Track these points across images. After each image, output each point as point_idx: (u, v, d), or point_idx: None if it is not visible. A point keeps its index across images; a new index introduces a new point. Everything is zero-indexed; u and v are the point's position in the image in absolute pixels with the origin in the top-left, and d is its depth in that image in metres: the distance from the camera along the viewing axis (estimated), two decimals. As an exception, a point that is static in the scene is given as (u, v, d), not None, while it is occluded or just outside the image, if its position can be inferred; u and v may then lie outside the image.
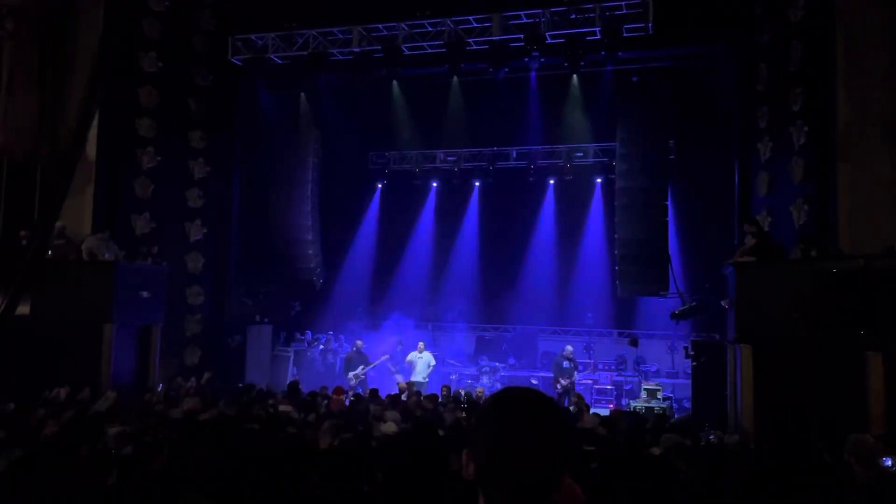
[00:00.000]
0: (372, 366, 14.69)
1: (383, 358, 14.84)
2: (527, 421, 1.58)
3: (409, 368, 14.58)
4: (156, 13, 14.36)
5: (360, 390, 13.08)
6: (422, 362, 14.47)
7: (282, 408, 8.99)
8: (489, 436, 1.59)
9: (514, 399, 1.66)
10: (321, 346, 16.75)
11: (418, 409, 9.67)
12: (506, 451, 1.55)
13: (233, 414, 7.79)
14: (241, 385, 12.57)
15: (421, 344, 14.84)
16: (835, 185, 10.56)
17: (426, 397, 10.55)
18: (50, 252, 11.97)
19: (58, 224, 12.07)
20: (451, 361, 16.73)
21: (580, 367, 14.91)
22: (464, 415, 8.90)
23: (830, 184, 10.67)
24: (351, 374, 14.56)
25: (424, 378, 14.23)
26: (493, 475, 1.57)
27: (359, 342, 15.15)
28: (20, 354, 11.17)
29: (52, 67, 13.81)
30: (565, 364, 14.04)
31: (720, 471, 5.40)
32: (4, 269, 11.21)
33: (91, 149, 13.28)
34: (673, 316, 13.28)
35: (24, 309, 11.16)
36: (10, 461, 4.48)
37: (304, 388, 11.62)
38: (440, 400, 10.82)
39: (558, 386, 13.89)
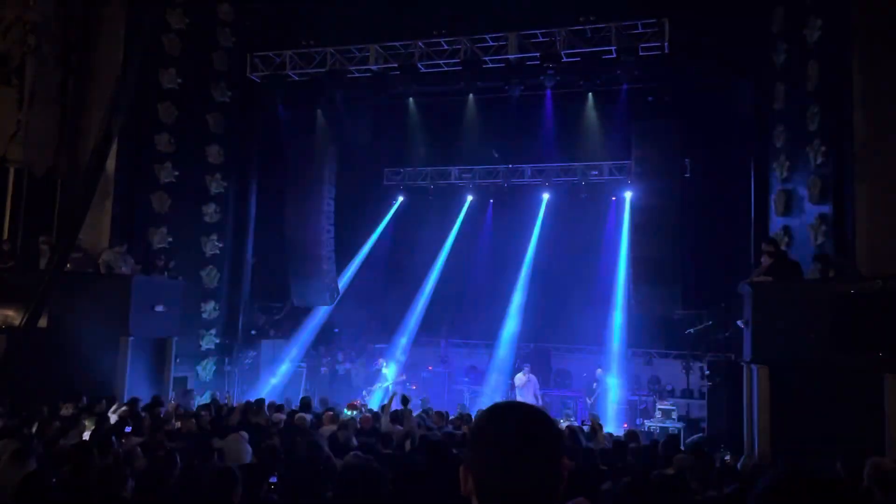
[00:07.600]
0: (388, 384, 14.73)
1: (401, 378, 14.93)
2: (522, 433, 1.60)
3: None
4: (176, 30, 14.56)
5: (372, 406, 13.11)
6: None
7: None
8: (486, 450, 1.61)
9: (507, 413, 1.68)
10: (339, 362, 16.76)
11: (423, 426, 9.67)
12: (504, 464, 1.57)
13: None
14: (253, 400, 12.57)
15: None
16: (852, 205, 10.47)
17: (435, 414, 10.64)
18: (68, 265, 12.09)
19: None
20: (465, 378, 16.70)
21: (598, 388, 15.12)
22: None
23: (848, 204, 10.58)
24: (364, 392, 14.64)
25: None
26: (492, 489, 1.59)
27: (381, 360, 15.31)
28: (37, 366, 11.24)
29: (74, 83, 14.03)
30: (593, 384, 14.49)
31: (735, 492, 5.34)
32: (25, 283, 11.34)
33: (110, 163, 13.39)
34: (688, 335, 13.20)
35: (42, 321, 11.26)
36: (24, 474, 4.51)
37: (317, 403, 11.63)
38: (451, 417, 10.87)
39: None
